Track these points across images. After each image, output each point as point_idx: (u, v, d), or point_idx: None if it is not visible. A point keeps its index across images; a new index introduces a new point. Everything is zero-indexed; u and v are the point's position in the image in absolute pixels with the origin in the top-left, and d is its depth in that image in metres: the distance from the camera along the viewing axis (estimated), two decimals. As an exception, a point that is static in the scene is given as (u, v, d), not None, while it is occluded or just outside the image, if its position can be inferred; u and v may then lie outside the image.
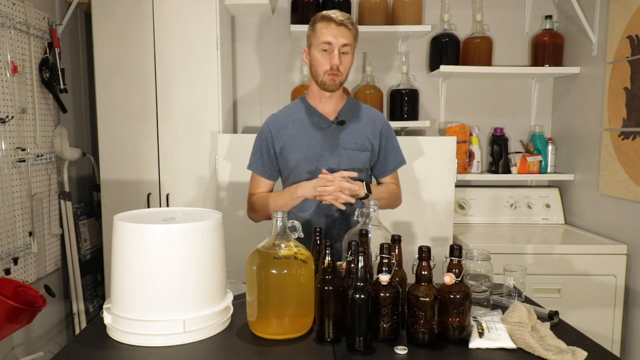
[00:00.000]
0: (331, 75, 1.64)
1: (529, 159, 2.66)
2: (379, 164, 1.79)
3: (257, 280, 1.17)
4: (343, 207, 1.57)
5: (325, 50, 1.62)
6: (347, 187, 1.53)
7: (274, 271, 1.16)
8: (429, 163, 2.33)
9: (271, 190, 1.79)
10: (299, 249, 1.20)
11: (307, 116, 1.73)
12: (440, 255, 1.22)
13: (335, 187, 1.52)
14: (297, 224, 1.25)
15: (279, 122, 1.74)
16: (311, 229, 1.63)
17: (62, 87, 2.34)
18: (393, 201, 1.80)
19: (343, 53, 1.63)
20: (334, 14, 1.62)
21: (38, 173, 2.25)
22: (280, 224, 1.21)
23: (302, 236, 1.25)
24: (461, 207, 2.71)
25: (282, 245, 1.20)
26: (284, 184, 1.78)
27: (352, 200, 1.55)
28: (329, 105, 1.73)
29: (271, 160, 1.74)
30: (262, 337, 1.18)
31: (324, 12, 1.64)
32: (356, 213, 1.47)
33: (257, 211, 1.73)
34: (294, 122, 1.73)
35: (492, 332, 1.15)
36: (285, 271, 1.16)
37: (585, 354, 1.08)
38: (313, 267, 1.21)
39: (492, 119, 2.85)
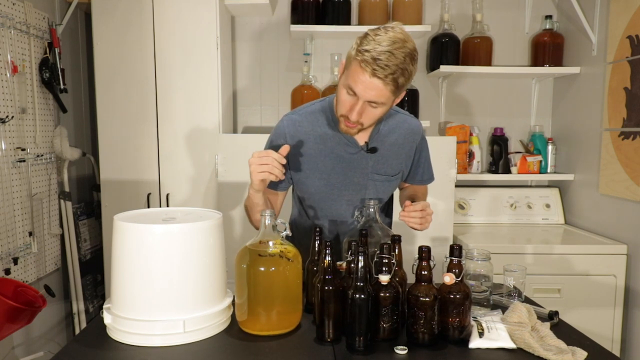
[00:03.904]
0: (347, 123, 1.34)
1: (529, 159, 2.66)
2: (407, 177, 1.60)
3: (247, 277, 1.18)
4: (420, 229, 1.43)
5: (350, 95, 1.30)
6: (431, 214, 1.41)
7: (260, 268, 1.17)
8: (429, 163, 2.32)
9: (281, 201, 1.57)
10: (285, 247, 1.21)
11: (332, 135, 1.45)
12: (440, 255, 1.22)
13: (428, 213, 1.40)
14: (285, 222, 1.24)
15: (298, 134, 1.45)
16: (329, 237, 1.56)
17: (62, 87, 2.34)
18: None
19: (371, 107, 1.31)
20: (375, 59, 1.21)
21: (38, 173, 2.25)
22: (268, 222, 1.22)
23: (290, 234, 1.24)
24: (461, 207, 2.71)
25: (270, 244, 1.20)
26: (297, 198, 1.60)
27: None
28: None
29: (284, 172, 1.45)
30: (252, 333, 1.20)
31: (369, 47, 1.22)
32: (356, 213, 1.47)
33: (248, 215, 1.51)
34: (316, 138, 1.45)
35: (492, 332, 1.15)
36: (272, 269, 1.17)
37: (585, 354, 1.08)
38: (300, 265, 1.23)
39: (492, 119, 2.85)
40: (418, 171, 1.60)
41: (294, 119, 1.48)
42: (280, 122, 1.50)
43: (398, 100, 1.37)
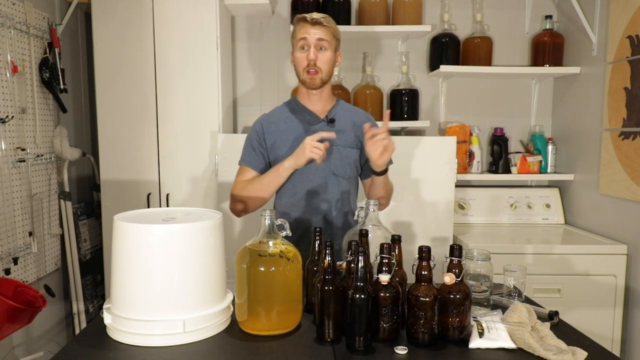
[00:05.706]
0: (309, 74, 1.64)
1: (529, 159, 2.66)
2: (368, 164, 1.71)
3: (247, 277, 1.19)
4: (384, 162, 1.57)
5: (303, 48, 1.64)
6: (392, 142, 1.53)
7: (260, 268, 1.17)
8: (429, 163, 2.33)
9: None
10: (286, 247, 1.22)
11: (298, 114, 1.75)
12: (440, 255, 1.22)
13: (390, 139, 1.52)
14: (285, 222, 1.26)
15: (270, 119, 1.76)
16: (302, 228, 1.68)
17: (62, 87, 2.34)
18: (390, 194, 1.80)
19: (321, 48, 1.63)
20: (309, 14, 1.63)
21: (38, 173, 2.25)
22: (268, 222, 1.22)
23: (290, 234, 1.26)
24: (461, 207, 2.71)
25: (270, 243, 1.21)
26: (276, 194, 1.77)
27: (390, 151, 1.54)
28: (318, 105, 1.74)
29: (262, 153, 1.74)
30: (252, 333, 1.20)
31: (300, 15, 1.66)
32: (356, 213, 1.47)
33: (242, 200, 1.68)
34: (285, 119, 1.75)
35: (492, 332, 1.15)
36: (272, 269, 1.17)
37: (585, 354, 1.08)
38: (300, 265, 1.23)
39: (492, 119, 2.85)
40: None
41: (264, 114, 1.81)
42: (254, 122, 1.80)
43: (339, 60, 1.71)
